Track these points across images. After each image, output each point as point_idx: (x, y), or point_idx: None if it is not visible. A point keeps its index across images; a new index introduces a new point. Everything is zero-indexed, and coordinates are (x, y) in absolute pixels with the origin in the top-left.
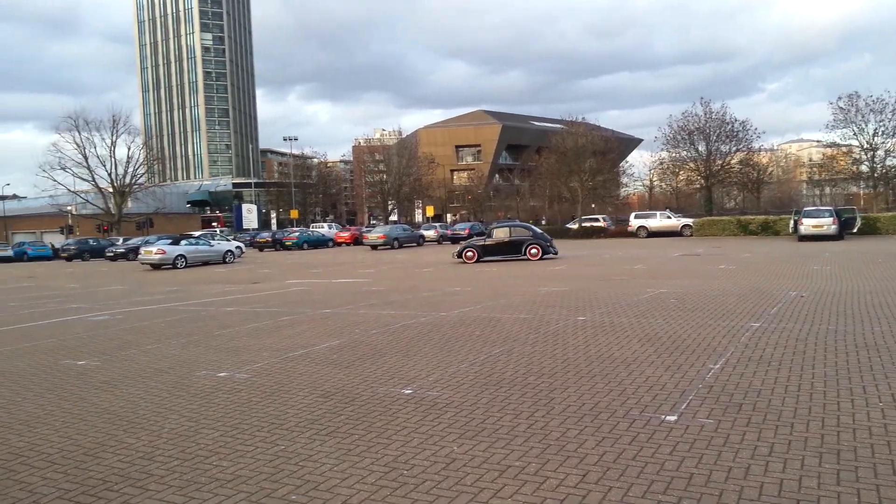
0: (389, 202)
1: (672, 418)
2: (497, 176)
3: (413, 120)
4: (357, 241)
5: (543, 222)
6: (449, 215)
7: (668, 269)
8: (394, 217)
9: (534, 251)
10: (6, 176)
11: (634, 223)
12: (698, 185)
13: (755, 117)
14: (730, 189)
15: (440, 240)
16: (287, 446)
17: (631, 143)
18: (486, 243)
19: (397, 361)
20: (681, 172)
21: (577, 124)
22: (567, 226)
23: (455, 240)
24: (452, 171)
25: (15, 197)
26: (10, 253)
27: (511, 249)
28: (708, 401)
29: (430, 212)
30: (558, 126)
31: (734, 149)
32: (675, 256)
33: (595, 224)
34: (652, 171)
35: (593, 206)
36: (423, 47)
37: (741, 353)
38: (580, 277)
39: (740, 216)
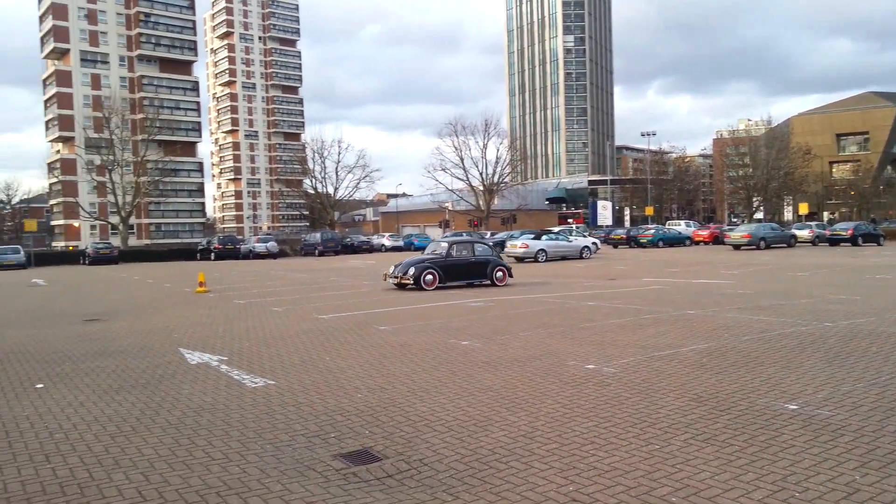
0: (754, 198)
1: None
2: (889, 168)
3: (784, 108)
4: (717, 240)
5: None
6: (826, 213)
7: None
8: (759, 215)
9: (500, 275)
10: (399, 177)
11: None
12: None
13: None
14: None
15: (815, 241)
16: (662, 446)
17: None
18: (447, 263)
19: (776, 372)
20: None
21: None
22: None
23: (834, 241)
24: (831, 162)
25: (404, 195)
26: (401, 243)
27: (475, 272)
28: None
29: (803, 209)
30: None
31: None
32: None
33: None
34: None
35: None
36: (798, 26)
37: None
38: None
39: None
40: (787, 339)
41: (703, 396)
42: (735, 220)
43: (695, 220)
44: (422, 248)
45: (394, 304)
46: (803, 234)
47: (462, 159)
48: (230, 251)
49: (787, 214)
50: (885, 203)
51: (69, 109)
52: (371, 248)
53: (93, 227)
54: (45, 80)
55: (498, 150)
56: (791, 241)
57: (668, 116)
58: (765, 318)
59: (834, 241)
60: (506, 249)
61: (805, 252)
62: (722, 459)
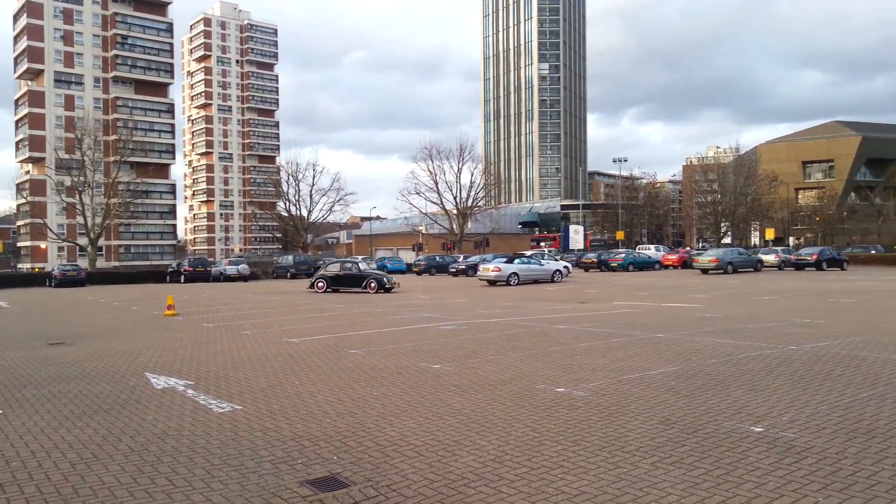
0: (722, 224)
1: None
2: (853, 195)
3: (753, 136)
4: (686, 264)
5: None
6: (791, 239)
7: None
8: (726, 240)
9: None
10: (374, 200)
11: None
12: None
13: None
14: None
15: (781, 265)
16: (630, 469)
17: None
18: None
19: (742, 395)
20: None
21: None
22: None
23: (800, 265)
24: (797, 189)
25: (378, 218)
26: (374, 266)
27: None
28: None
29: (769, 234)
30: None
31: None
32: None
33: None
34: None
35: None
36: (771, 58)
37: None
38: None
39: None
40: (753, 363)
41: (671, 419)
42: (703, 244)
43: (664, 245)
44: (395, 271)
45: (366, 327)
46: (770, 258)
47: (437, 183)
48: (201, 273)
49: (754, 239)
50: (849, 228)
51: (41, 130)
52: None
53: (60, 248)
54: (17, 101)
55: (472, 175)
56: (758, 266)
57: (641, 143)
58: (732, 341)
59: (799, 266)
60: (478, 273)
61: (771, 276)
62: (689, 482)
